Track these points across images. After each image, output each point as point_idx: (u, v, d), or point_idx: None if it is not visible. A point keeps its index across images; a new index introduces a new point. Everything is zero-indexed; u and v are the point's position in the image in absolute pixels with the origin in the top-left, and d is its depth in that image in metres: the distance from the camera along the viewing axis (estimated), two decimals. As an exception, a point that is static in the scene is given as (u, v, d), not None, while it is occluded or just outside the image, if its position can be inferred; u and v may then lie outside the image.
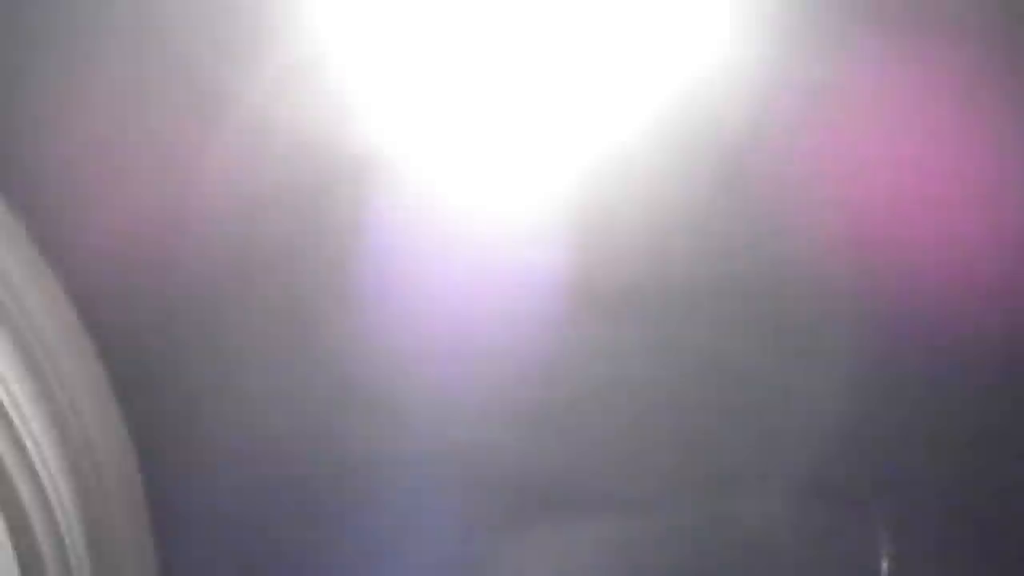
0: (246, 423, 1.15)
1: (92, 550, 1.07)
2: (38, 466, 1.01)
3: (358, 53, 1.09)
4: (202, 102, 1.07)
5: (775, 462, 1.17)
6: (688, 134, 1.11)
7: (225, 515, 1.18)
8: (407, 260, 1.13)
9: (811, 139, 1.11)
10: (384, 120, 1.10)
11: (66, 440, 1.04)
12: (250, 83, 1.07)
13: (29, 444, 1.00)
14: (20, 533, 0.99)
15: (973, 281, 1.14)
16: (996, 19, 1.07)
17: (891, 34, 1.08)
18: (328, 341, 1.14)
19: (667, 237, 1.13)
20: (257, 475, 1.17)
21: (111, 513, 1.08)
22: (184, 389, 1.15)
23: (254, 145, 1.09)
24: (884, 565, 1.18)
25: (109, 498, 1.08)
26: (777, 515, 1.17)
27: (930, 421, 1.18)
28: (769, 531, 1.17)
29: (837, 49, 1.09)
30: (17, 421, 1.00)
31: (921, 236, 1.13)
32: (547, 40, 1.10)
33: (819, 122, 1.11)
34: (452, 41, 1.10)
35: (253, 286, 1.12)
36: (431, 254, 1.13)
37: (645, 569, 1.18)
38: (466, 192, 1.12)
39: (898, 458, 1.19)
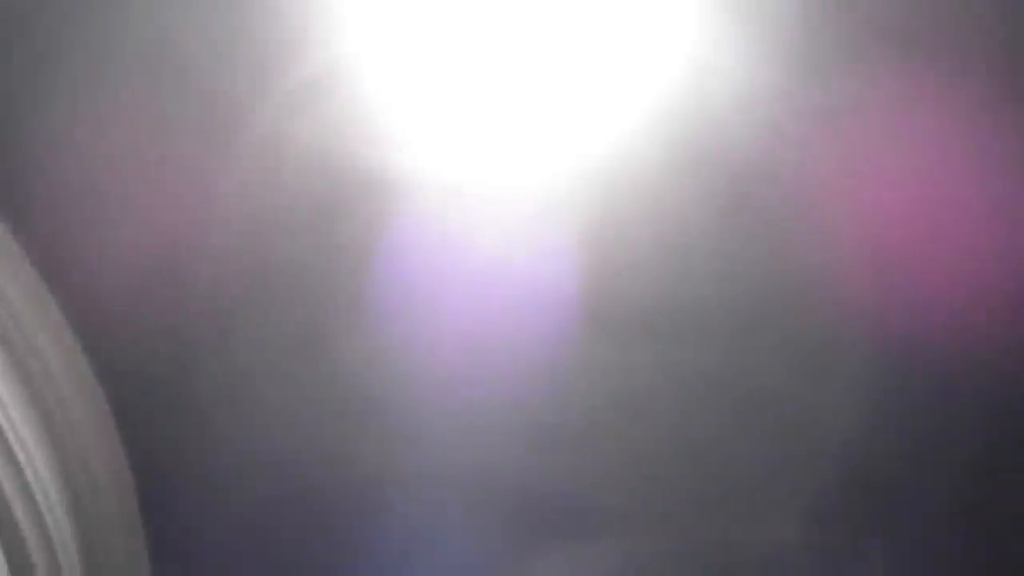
0: (252, 442, 1.15)
1: (88, 569, 1.07)
2: (33, 487, 1.01)
3: (372, 69, 1.10)
4: (215, 120, 1.08)
5: (786, 484, 1.16)
6: (699, 155, 1.11)
7: (232, 536, 1.18)
8: (419, 277, 1.13)
9: (821, 159, 1.11)
10: (398, 137, 1.11)
11: (64, 463, 1.04)
12: (264, 101, 1.08)
13: (28, 471, 1.01)
14: (14, 552, 1.00)
15: (987, 302, 1.14)
16: (1001, 40, 1.08)
17: (899, 55, 1.09)
18: (340, 358, 1.14)
19: (679, 257, 1.13)
20: (263, 494, 1.17)
21: (107, 535, 1.08)
22: (190, 406, 1.15)
23: (267, 163, 1.09)
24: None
25: (105, 519, 1.08)
26: (787, 537, 1.16)
27: (943, 443, 1.17)
28: (779, 553, 1.16)
29: (847, 71, 1.09)
30: (16, 446, 1.00)
31: (933, 256, 1.13)
32: (563, 59, 1.10)
33: (829, 143, 1.11)
34: (467, 57, 1.10)
35: (264, 306, 1.13)
36: (444, 272, 1.13)
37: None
38: (479, 210, 1.13)
39: (910, 481, 1.18)
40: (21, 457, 1.00)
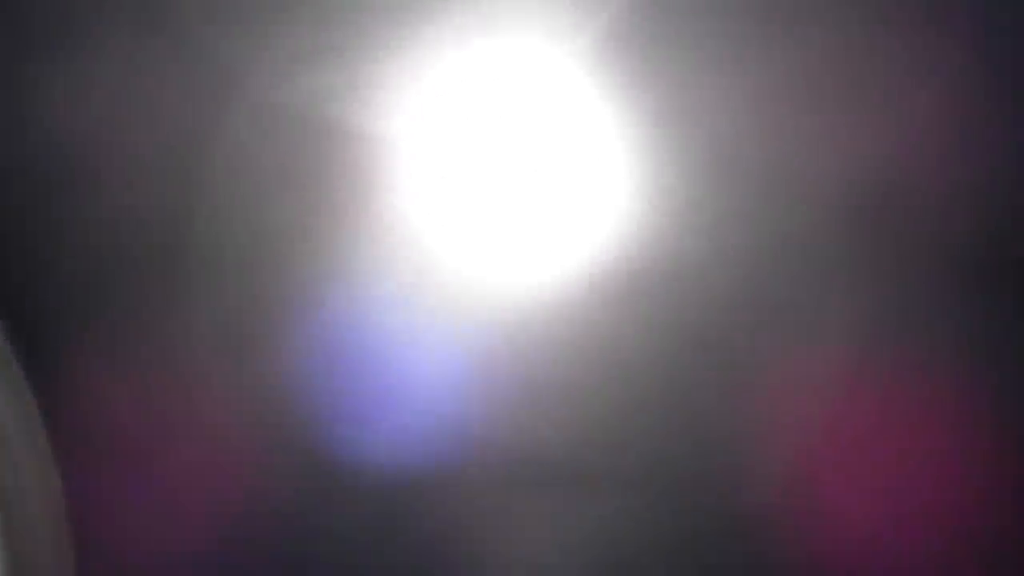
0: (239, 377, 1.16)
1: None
2: None
3: (370, 40, 1.10)
4: (209, 84, 1.09)
5: (769, 447, 1.16)
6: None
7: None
8: (406, 246, 1.14)
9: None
10: (393, 104, 1.11)
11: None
12: (259, 65, 1.09)
13: None
14: None
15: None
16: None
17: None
18: (327, 326, 1.15)
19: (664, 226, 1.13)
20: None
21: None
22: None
23: (262, 126, 1.10)
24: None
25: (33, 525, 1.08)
26: (768, 498, 1.17)
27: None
28: (761, 515, 1.17)
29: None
30: None
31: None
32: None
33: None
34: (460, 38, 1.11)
35: (256, 268, 1.13)
36: (430, 241, 1.14)
37: (638, 548, 1.18)
38: (468, 185, 1.14)
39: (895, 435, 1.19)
40: None
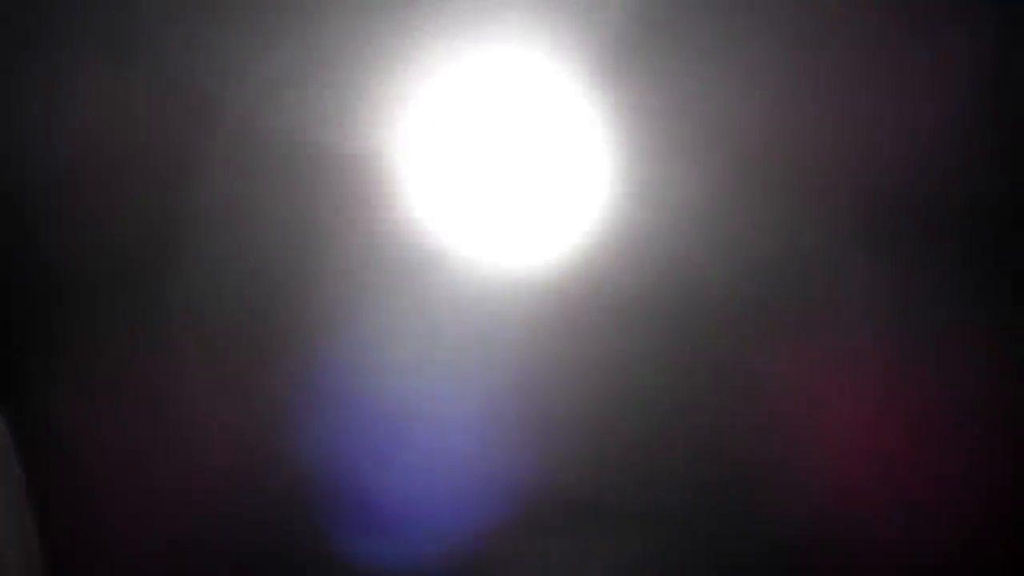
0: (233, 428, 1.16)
1: None
2: None
3: (347, 61, 1.11)
4: (190, 108, 1.10)
5: (787, 472, 1.14)
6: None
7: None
8: (400, 271, 1.13)
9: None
10: (375, 124, 1.12)
11: None
12: (239, 91, 1.10)
13: None
14: None
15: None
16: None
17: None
18: (316, 350, 1.15)
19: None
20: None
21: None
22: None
23: (243, 151, 1.11)
24: None
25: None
26: (790, 524, 1.14)
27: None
28: (781, 540, 1.14)
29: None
30: None
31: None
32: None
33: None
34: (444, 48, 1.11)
35: (245, 294, 1.14)
36: (424, 263, 1.14)
37: None
38: (462, 200, 1.13)
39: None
40: None
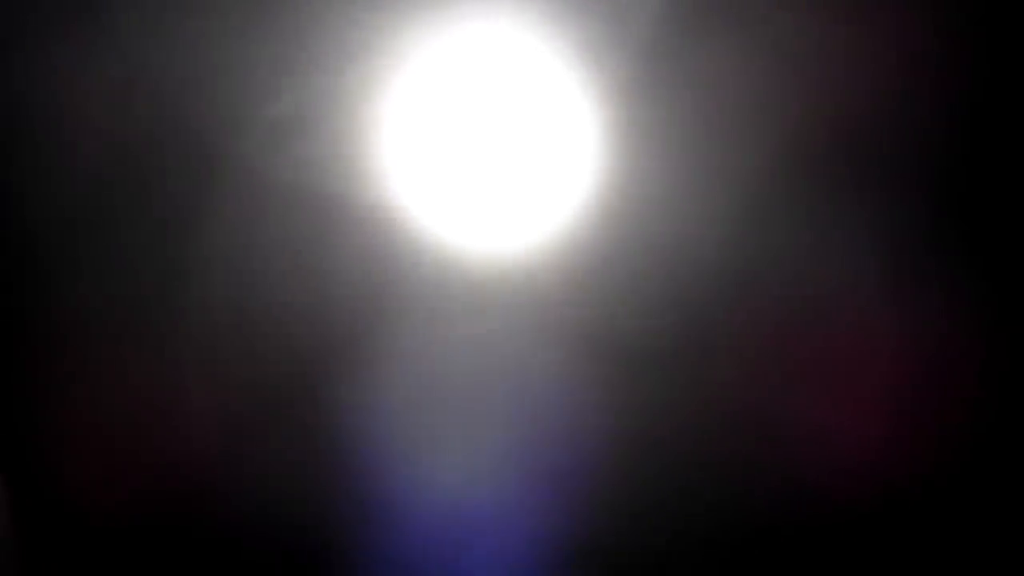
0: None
1: None
2: None
3: (352, 109, 1.10)
4: (195, 152, 1.09)
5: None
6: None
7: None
8: (408, 310, 1.13)
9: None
10: (383, 173, 1.11)
11: None
12: (244, 141, 1.09)
13: None
14: None
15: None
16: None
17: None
18: (333, 391, 1.14)
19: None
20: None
21: None
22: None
23: (249, 197, 1.09)
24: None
25: None
26: (786, 519, 1.15)
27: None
28: (778, 536, 1.15)
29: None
30: None
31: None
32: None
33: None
34: (449, 93, 1.11)
35: (249, 339, 1.12)
36: (433, 304, 1.14)
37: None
38: (460, 237, 1.14)
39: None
40: None
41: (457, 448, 1.14)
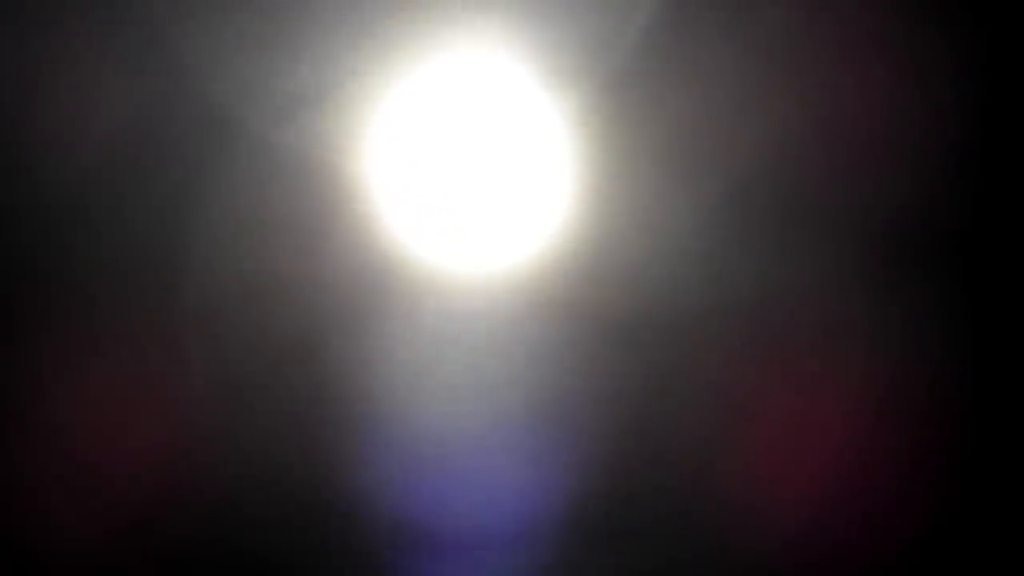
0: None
1: None
2: None
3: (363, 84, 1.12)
4: (207, 125, 1.10)
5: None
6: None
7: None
8: (407, 291, 1.14)
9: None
10: (387, 147, 1.13)
11: None
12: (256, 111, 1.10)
13: None
14: None
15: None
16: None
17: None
18: (331, 367, 1.14)
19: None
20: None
21: None
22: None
23: (258, 171, 1.11)
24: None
25: None
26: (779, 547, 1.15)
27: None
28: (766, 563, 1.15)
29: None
30: None
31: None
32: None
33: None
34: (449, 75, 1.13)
35: (253, 314, 1.13)
36: (429, 284, 1.14)
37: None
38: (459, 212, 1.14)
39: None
40: None
41: (434, 437, 1.15)
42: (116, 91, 1.10)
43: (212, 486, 1.12)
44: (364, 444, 1.14)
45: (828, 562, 1.13)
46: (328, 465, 1.13)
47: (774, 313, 1.12)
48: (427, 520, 1.14)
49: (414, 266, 1.14)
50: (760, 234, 1.12)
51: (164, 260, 1.11)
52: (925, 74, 1.12)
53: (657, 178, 1.11)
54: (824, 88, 1.11)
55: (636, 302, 1.12)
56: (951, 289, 1.13)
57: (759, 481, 1.13)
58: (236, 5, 1.09)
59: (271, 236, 1.12)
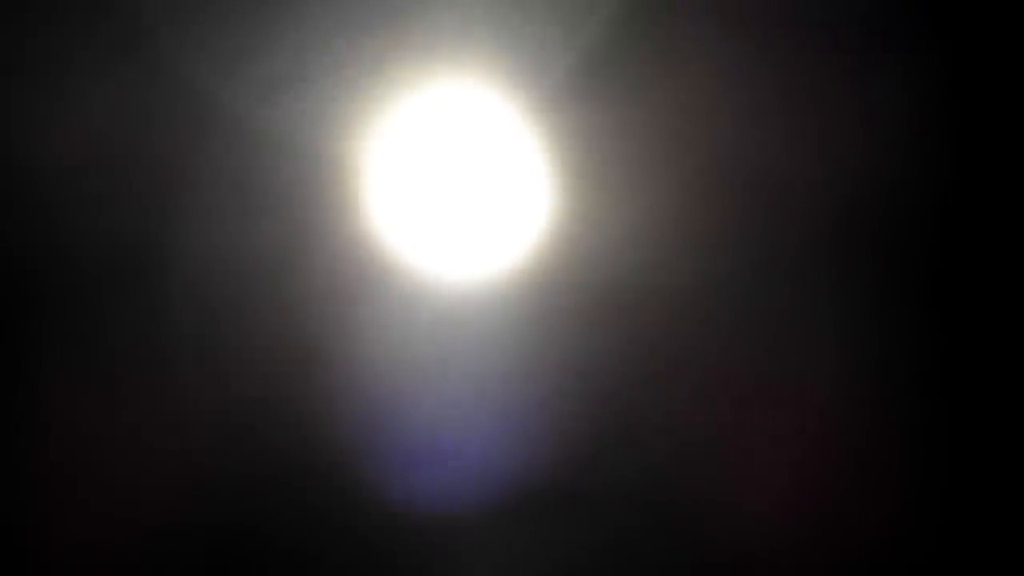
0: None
1: None
2: None
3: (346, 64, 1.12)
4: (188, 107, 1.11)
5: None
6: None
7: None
8: (391, 267, 1.15)
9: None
10: (369, 128, 1.13)
11: None
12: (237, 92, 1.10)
13: None
14: None
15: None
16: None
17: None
18: (315, 343, 1.15)
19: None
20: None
21: None
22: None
23: (239, 150, 1.11)
24: None
25: None
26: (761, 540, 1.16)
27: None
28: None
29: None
30: None
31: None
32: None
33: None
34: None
35: (238, 293, 1.14)
36: (414, 256, 1.15)
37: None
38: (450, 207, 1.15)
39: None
40: None
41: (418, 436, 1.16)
42: (100, 81, 1.10)
43: (204, 479, 1.13)
44: (357, 436, 1.15)
45: (804, 535, 1.14)
46: (323, 458, 1.14)
47: (756, 315, 1.13)
48: (419, 507, 1.16)
49: (399, 252, 1.14)
50: (743, 238, 1.12)
51: (150, 248, 1.12)
52: (898, 90, 1.11)
53: (640, 183, 1.11)
54: (801, 91, 1.11)
55: (620, 305, 1.12)
56: (929, 292, 1.13)
57: (737, 466, 1.14)
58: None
59: (258, 221, 1.12)
